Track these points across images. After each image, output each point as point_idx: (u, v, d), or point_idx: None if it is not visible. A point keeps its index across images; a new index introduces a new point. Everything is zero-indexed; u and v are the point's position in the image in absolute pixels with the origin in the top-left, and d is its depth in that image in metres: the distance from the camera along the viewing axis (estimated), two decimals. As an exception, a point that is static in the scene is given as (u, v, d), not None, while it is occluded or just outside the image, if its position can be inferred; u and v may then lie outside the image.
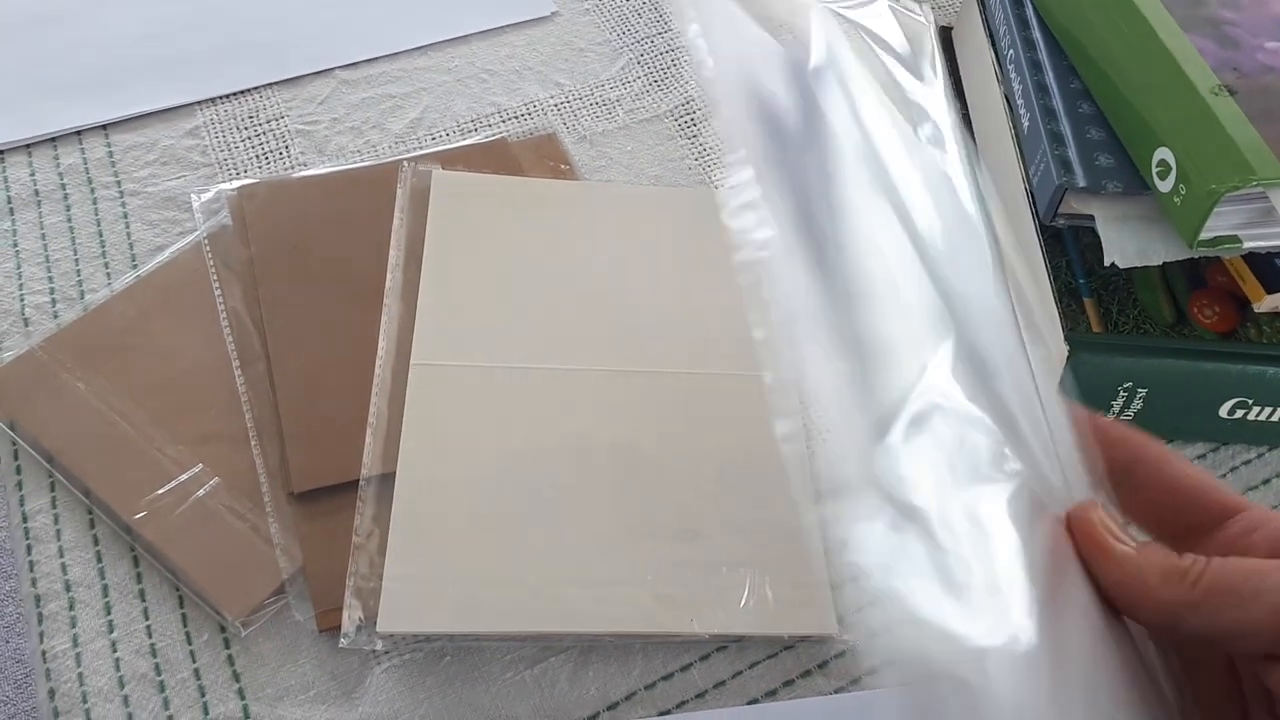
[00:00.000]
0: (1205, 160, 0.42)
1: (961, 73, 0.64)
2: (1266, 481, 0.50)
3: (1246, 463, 0.50)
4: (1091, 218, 0.48)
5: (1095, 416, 0.32)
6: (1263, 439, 0.50)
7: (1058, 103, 0.50)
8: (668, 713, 0.42)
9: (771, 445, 0.47)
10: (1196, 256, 0.44)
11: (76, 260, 0.55)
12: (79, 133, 0.61)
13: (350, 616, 0.42)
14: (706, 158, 0.62)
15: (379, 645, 0.42)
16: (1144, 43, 0.47)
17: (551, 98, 0.64)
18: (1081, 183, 0.46)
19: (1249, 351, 0.47)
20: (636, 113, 0.64)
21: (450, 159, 0.59)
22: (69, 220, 0.57)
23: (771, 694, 0.43)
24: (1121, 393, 0.47)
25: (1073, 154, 0.48)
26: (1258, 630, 0.26)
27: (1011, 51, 0.55)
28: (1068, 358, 0.46)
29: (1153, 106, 0.45)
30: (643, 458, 0.47)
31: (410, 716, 0.41)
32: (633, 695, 0.43)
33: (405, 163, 0.58)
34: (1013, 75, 0.55)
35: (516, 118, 0.63)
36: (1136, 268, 0.48)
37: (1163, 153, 0.44)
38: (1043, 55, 0.53)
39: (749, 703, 0.43)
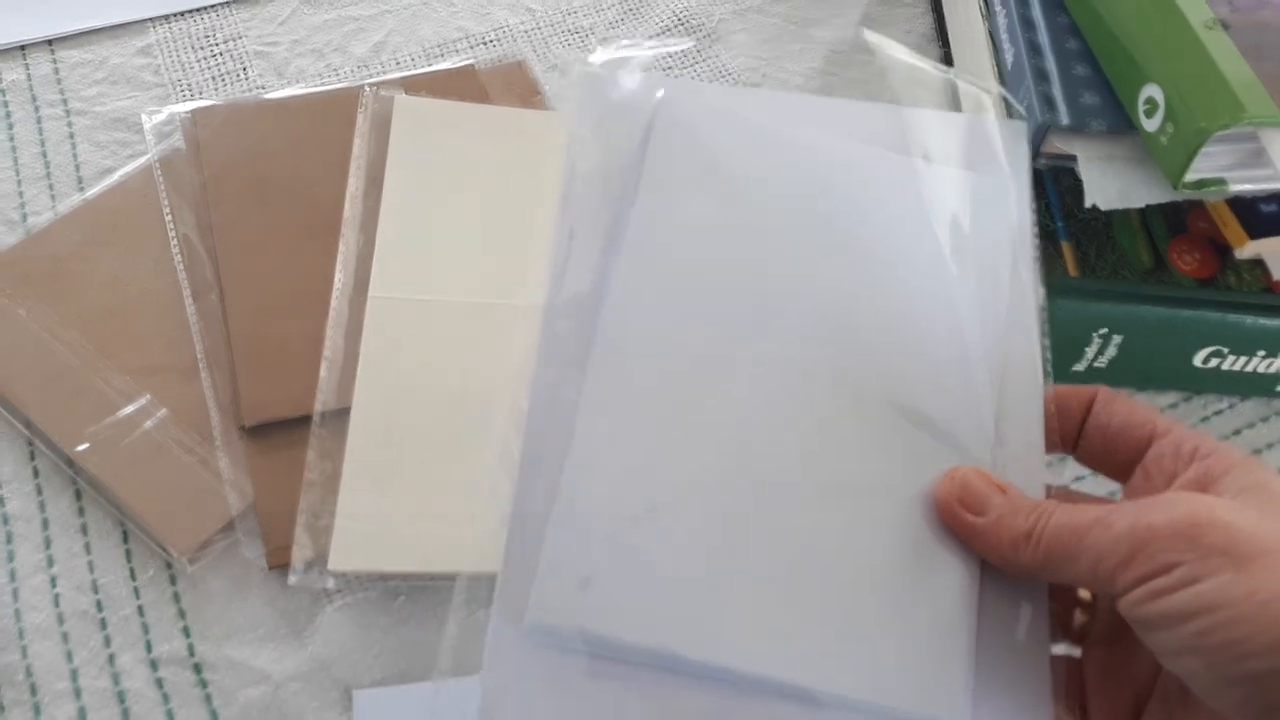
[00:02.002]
0: (1195, 97, 0.40)
1: (945, 7, 0.62)
2: (1237, 432, 0.49)
3: (1218, 413, 0.50)
4: (1073, 158, 0.46)
5: (1052, 387, 0.35)
6: (1235, 389, 0.50)
7: (1043, 37, 0.49)
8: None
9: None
10: (1181, 199, 0.43)
11: (19, 181, 0.53)
12: (23, 47, 0.58)
13: (300, 554, 0.41)
14: (681, 90, 0.60)
15: (330, 583, 0.41)
16: (1135, -25, 0.45)
17: (522, 24, 0.62)
18: (1065, 121, 0.45)
19: (1227, 299, 0.46)
20: (610, 42, 0.62)
21: (415, 85, 0.56)
22: (11, 139, 0.54)
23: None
24: (1096, 338, 0.46)
25: (1057, 91, 0.46)
26: (1085, 582, 0.30)
27: (998, -16, 0.53)
28: (1043, 302, 0.45)
29: (1142, 41, 0.44)
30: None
31: (362, 656, 0.40)
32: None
33: (367, 87, 0.55)
34: (998, 8, 0.53)
35: (485, 44, 0.61)
36: (1116, 212, 0.47)
37: (1151, 89, 0.42)
38: (1030, -12, 0.51)
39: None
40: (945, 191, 0.37)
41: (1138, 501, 0.29)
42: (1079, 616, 0.34)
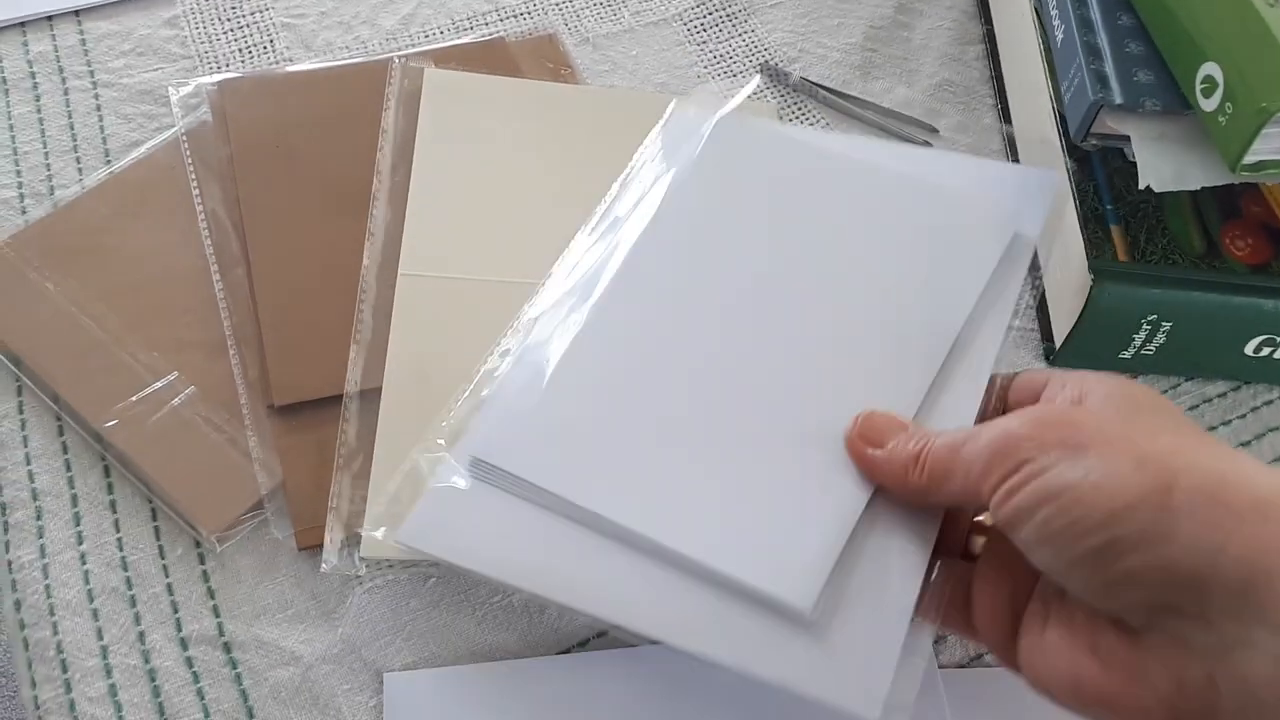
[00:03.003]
0: (1256, 77, 0.39)
1: (989, -17, 0.61)
2: (1287, 422, 0.48)
3: (1268, 403, 0.48)
4: (1124, 139, 0.45)
5: (1006, 376, 0.38)
6: (1286, 379, 0.48)
7: (1095, 14, 0.47)
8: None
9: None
10: (1237, 182, 0.41)
11: (46, 154, 0.52)
12: (50, 18, 0.57)
13: (332, 539, 0.40)
14: (715, 65, 0.58)
15: (361, 570, 0.40)
16: (1194, -52, 0.44)
17: (553, -4, 0.60)
18: (1118, 99, 0.43)
19: (1282, 286, 0.44)
20: (643, 15, 0.60)
21: (444, 57, 0.55)
22: (38, 111, 0.54)
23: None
24: (1145, 325, 0.45)
25: (1110, 69, 0.45)
26: (963, 499, 0.32)
27: (1047, -42, 0.52)
28: (1091, 287, 0.44)
29: (1200, 18, 0.42)
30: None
31: (393, 639, 0.40)
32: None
33: (397, 59, 0.54)
34: (1047, -16, 0.51)
35: (515, 16, 0.60)
36: (1167, 195, 0.46)
37: (1209, 68, 0.41)
38: (1081, -38, 0.50)
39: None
40: (936, 211, 0.44)
41: (1006, 415, 0.31)
42: (978, 541, 0.36)
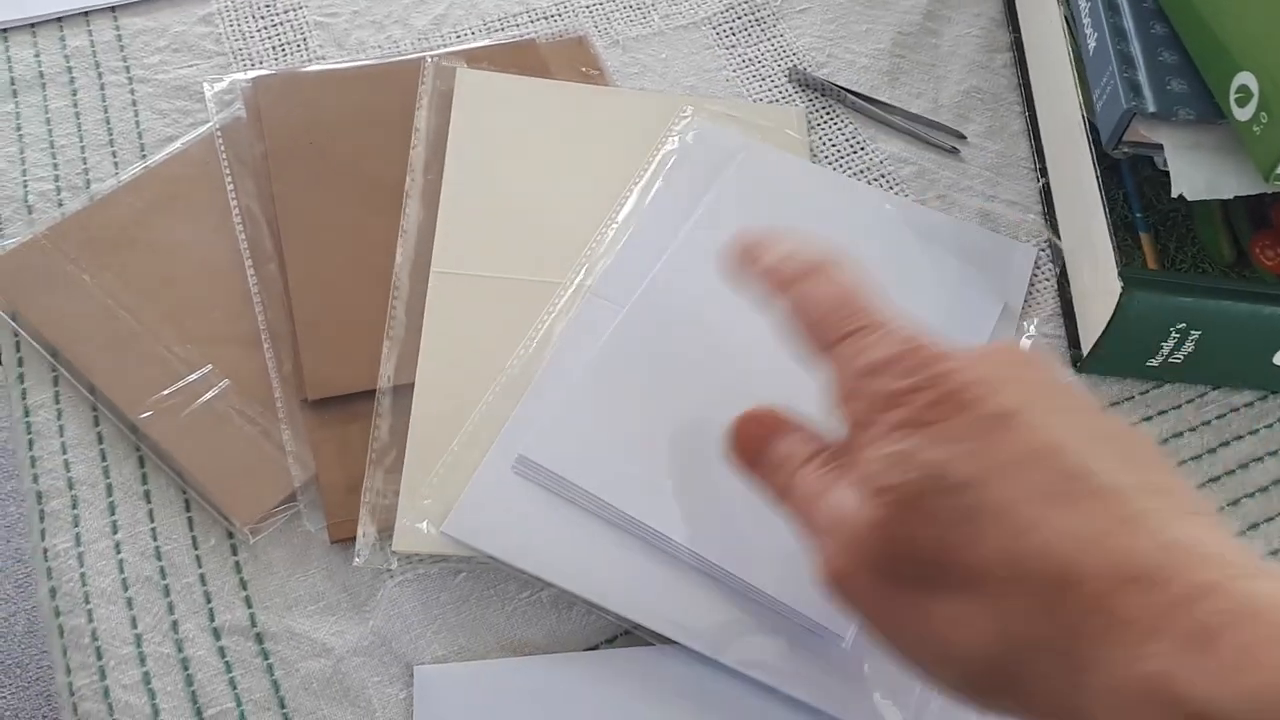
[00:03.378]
0: (1292, 87, 0.39)
1: (1018, -10, 0.61)
2: (1314, 433, 0.48)
3: (1296, 413, 0.48)
4: (1155, 147, 0.45)
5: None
6: (1314, 389, 0.48)
7: (1128, 22, 0.47)
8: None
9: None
10: (1270, 192, 0.41)
11: (82, 147, 0.53)
12: (86, 14, 0.58)
13: (364, 534, 0.40)
14: (743, 69, 0.59)
15: (394, 564, 0.41)
16: (1228, -42, 0.44)
17: (584, -2, 0.61)
18: (1152, 108, 0.44)
19: (1312, 297, 0.44)
20: (673, 18, 0.61)
21: (476, 58, 0.56)
22: (75, 105, 0.54)
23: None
24: (1174, 334, 0.45)
25: (1143, 77, 0.45)
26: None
27: (1078, -33, 0.52)
28: (1120, 294, 0.44)
29: (1235, 27, 0.42)
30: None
31: (423, 632, 0.40)
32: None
33: (429, 58, 0.55)
34: (1078, -8, 0.51)
35: (546, 18, 0.60)
36: (1198, 203, 0.46)
37: (1244, 77, 0.41)
38: (1113, -29, 0.50)
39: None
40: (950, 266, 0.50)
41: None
42: None
